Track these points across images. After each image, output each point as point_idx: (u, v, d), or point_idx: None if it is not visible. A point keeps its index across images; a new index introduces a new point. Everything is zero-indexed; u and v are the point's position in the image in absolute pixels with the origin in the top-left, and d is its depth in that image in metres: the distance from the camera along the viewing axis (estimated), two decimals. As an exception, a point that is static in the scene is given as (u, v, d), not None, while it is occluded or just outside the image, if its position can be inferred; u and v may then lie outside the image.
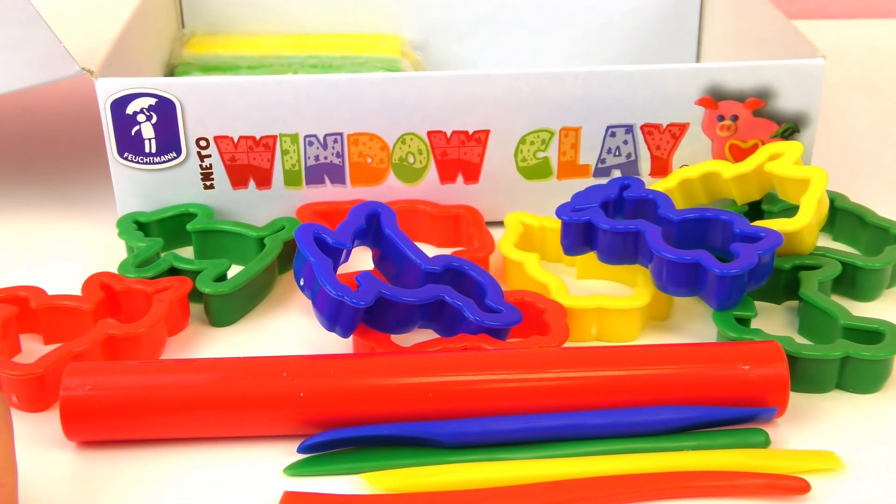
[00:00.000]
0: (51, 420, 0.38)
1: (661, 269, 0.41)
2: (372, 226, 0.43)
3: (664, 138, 0.48)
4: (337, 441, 0.36)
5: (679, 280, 0.41)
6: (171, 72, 0.58)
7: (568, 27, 0.63)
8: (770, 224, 0.42)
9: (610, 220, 0.42)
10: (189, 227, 0.47)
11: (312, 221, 0.45)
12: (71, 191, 0.48)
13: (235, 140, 0.46)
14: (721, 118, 0.47)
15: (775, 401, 0.37)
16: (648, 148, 0.48)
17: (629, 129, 0.47)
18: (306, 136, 0.47)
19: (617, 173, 0.48)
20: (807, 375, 0.39)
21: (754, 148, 0.48)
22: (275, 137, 0.47)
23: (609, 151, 0.48)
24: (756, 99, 0.47)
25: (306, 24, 0.62)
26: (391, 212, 0.43)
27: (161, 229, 0.47)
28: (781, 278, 0.44)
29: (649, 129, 0.47)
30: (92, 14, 0.50)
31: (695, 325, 0.44)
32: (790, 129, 0.48)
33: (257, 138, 0.46)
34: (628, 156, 0.48)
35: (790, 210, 0.47)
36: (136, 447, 0.37)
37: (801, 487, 0.35)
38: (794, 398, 0.39)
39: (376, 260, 0.43)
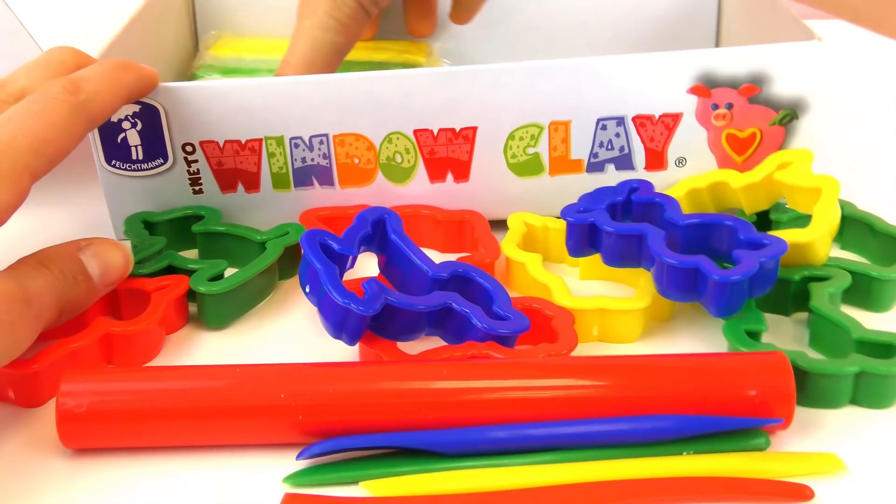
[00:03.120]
0: (48, 420, 0.38)
1: (661, 273, 0.40)
2: (378, 232, 0.42)
3: (657, 129, 0.46)
4: (337, 450, 0.36)
5: (679, 285, 0.40)
6: (192, 74, 0.58)
7: (583, 34, 0.61)
8: (783, 235, 0.41)
9: (614, 223, 0.42)
10: (194, 228, 0.47)
11: (316, 227, 0.45)
12: (67, 193, 0.47)
13: (221, 144, 0.46)
14: (715, 107, 0.46)
15: (781, 413, 0.36)
16: (642, 140, 0.47)
17: (620, 121, 0.46)
18: (291, 139, 0.46)
19: (611, 167, 0.47)
20: (820, 391, 0.38)
21: (752, 137, 0.46)
22: (260, 141, 0.46)
23: (601, 145, 0.47)
24: (751, 85, 0.45)
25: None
26: (397, 217, 0.42)
27: (169, 230, 0.47)
28: (790, 289, 0.42)
29: (641, 121, 0.46)
30: (89, 22, 0.50)
31: (697, 326, 0.43)
32: (789, 115, 0.46)
33: (243, 142, 0.46)
34: (621, 149, 0.47)
35: (800, 219, 0.45)
36: (133, 454, 0.37)
37: (804, 494, 0.34)
38: (801, 412, 0.37)
39: (382, 266, 0.43)
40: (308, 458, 0.36)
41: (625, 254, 0.42)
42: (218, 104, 0.45)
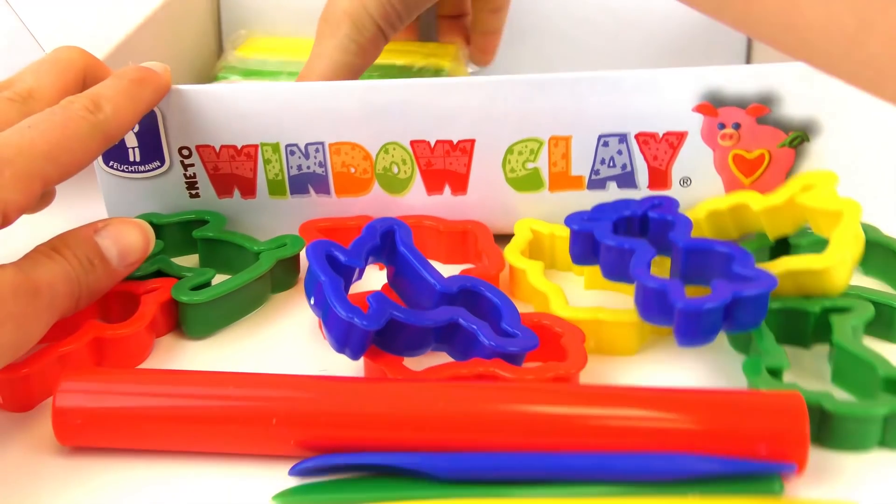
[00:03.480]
0: (42, 421, 0.38)
1: (637, 293, 0.39)
2: (387, 243, 0.41)
3: (661, 148, 0.45)
4: (331, 466, 0.35)
5: (650, 307, 0.38)
6: (214, 76, 0.58)
7: (613, 44, 0.60)
8: (797, 261, 0.39)
9: (611, 235, 0.40)
10: (195, 234, 0.46)
11: (316, 238, 0.44)
12: (65, 192, 0.48)
13: (217, 149, 0.46)
14: (722, 126, 0.44)
15: (794, 457, 0.34)
16: (645, 158, 0.45)
17: (623, 138, 0.45)
18: (287, 146, 0.46)
19: (613, 185, 0.46)
20: (846, 434, 0.36)
21: (760, 158, 0.44)
22: (256, 147, 0.46)
23: (603, 162, 0.45)
24: (759, 105, 0.43)
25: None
26: (407, 229, 0.41)
27: (173, 233, 0.47)
28: (810, 321, 0.40)
29: (644, 139, 0.45)
30: (99, 23, 0.50)
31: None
32: (799, 137, 0.44)
33: (238, 147, 0.46)
34: (623, 167, 0.45)
35: (819, 244, 0.43)
36: (121, 461, 0.37)
37: None
38: (824, 455, 0.36)
39: (390, 278, 0.42)
40: (301, 473, 0.35)
41: (619, 268, 0.41)
42: (214, 108, 0.45)
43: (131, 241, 0.40)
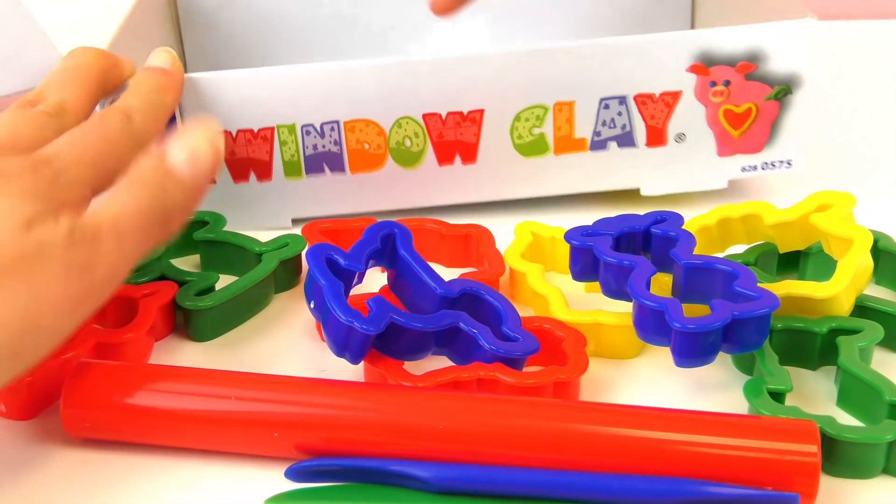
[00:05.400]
0: (40, 419, 0.38)
1: (635, 311, 0.38)
2: (387, 247, 0.41)
3: (658, 108, 0.48)
4: (329, 470, 0.36)
5: (647, 327, 0.38)
6: None
7: (558, 15, 0.62)
8: (799, 287, 0.39)
9: (610, 251, 0.40)
10: (195, 236, 0.46)
11: (319, 240, 0.45)
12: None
13: (234, 134, 0.47)
14: (713, 84, 0.47)
15: (803, 487, 0.33)
16: (643, 118, 0.48)
17: (622, 100, 0.48)
18: (303, 126, 0.47)
19: (613, 145, 0.49)
20: (850, 460, 0.35)
21: (748, 112, 0.48)
22: (272, 129, 0.47)
23: (604, 124, 0.48)
24: (747, 62, 0.47)
25: (307, 28, 0.62)
26: (407, 233, 0.41)
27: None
28: (817, 342, 0.39)
29: (643, 100, 0.48)
30: (87, 18, 0.51)
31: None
32: (783, 90, 0.48)
33: (255, 131, 0.47)
34: (623, 127, 0.48)
35: (827, 259, 0.43)
36: (121, 457, 0.37)
37: None
38: (828, 482, 0.35)
39: (391, 281, 0.42)
40: (297, 474, 0.35)
41: (618, 286, 0.40)
42: (230, 94, 0.46)
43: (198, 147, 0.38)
